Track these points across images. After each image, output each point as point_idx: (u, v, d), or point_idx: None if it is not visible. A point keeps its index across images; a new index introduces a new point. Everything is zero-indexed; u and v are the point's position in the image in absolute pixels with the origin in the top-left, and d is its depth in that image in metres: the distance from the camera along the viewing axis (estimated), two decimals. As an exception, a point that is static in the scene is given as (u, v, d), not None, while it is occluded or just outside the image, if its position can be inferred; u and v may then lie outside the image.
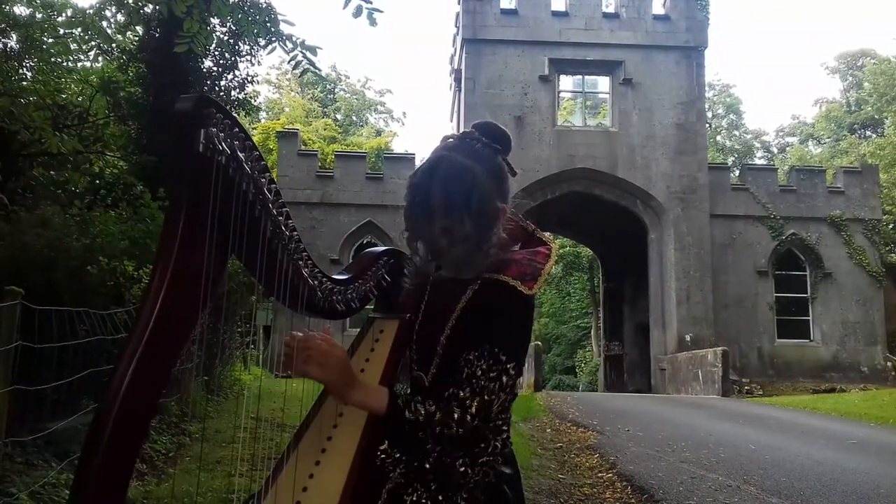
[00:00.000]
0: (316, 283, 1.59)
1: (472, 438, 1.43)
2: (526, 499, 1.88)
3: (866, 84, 40.61)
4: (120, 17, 11.31)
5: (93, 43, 11.11)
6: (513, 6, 21.70)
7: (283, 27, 5.56)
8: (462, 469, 1.44)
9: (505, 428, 1.51)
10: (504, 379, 1.46)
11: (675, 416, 11.51)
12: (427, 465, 1.44)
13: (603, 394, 22.63)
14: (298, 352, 1.43)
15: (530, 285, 1.50)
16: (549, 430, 9.72)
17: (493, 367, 1.45)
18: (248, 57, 13.42)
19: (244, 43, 12.81)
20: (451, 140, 1.59)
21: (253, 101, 15.35)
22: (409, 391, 1.66)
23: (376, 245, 2.45)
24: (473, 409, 1.43)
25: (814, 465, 6.98)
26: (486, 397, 1.44)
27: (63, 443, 4.92)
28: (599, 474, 6.73)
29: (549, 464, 7.28)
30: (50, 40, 10.39)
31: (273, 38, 5.64)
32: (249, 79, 13.82)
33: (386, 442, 1.50)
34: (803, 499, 5.58)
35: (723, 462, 7.13)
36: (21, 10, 10.48)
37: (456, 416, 1.42)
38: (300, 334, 1.47)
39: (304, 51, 5.39)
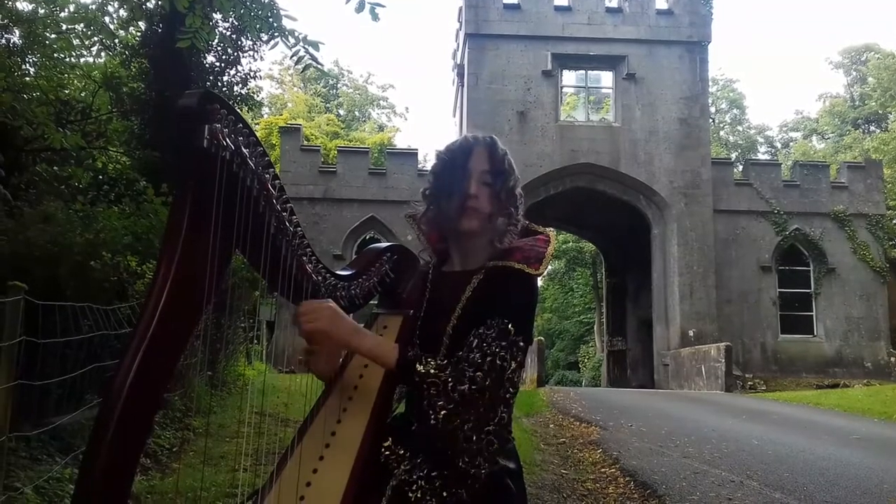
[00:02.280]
0: (319, 278, 1.59)
1: (481, 400, 1.43)
2: (528, 493, 1.88)
3: (870, 79, 40.44)
4: (122, 13, 11.30)
5: (95, 38, 11.08)
6: (515, 1, 21.65)
7: (286, 22, 5.56)
8: (468, 433, 1.43)
9: (512, 401, 1.51)
10: (514, 350, 1.47)
11: (678, 411, 11.51)
12: (433, 422, 1.43)
13: (606, 389, 22.64)
14: (296, 322, 1.46)
15: (536, 266, 1.53)
16: (552, 426, 9.73)
17: (503, 336, 1.46)
18: (251, 52, 13.42)
19: (246, 38, 12.79)
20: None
21: (255, 96, 15.34)
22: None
23: (379, 240, 2.46)
24: (486, 367, 1.43)
25: (817, 460, 6.97)
26: (497, 362, 1.44)
27: (67, 437, 4.94)
28: (602, 469, 6.74)
29: (552, 459, 7.28)
30: (53, 36, 10.38)
31: (275, 34, 5.62)
32: (252, 74, 13.82)
33: (390, 438, 1.51)
34: (806, 494, 5.58)
35: (726, 457, 7.12)
36: (24, 6, 10.50)
37: (468, 374, 1.43)
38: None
39: (306, 46, 5.38)
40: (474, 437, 1.44)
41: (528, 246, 1.58)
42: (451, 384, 1.42)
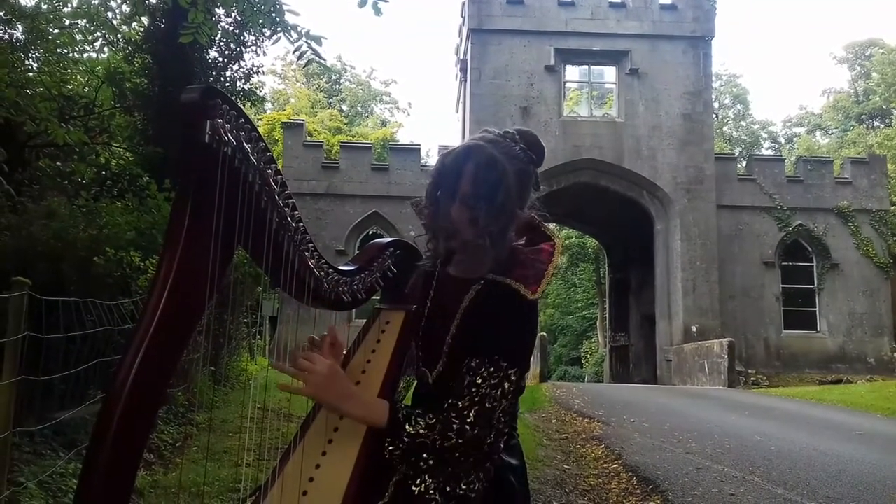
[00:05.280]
0: (322, 273, 1.59)
1: (473, 446, 1.43)
2: (531, 489, 1.88)
3: (874, 74, 40.33)
4: (125, 9, 11.29)
5: (98, 34, 11.11)
6: (518, -4, 21.61)
7: (288, 17, 5.54)
8: (464, 470, 1.46)
9: (506, 430, 1.51)
10: (506, 385, 1.46)
11: (680, 407, 11.51)
12: (426, 475, 1.46)
13: (608, 385, 22.64)
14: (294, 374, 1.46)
15: (533, 289, 1.49)
16: (554, 421, 9.73)
17: (494, 375, 1.45)
18: (254, 48, 13.40)
19: (249, 33, 12.77)
20: (489, 134, 1.58)
21: (258, 91, 15.31)
22: (415, 384, 1.66)
23: (382, 236, 2.45)
24: (472, 419, 1.43)
25: (819, 456, 6.97)
26: (486, 405, 1.44)
27: (71, 433, 4.95)
28: (605, 465, 6.74)
29: (555, 454, 7.29)
30: (56, 31, 10.38)
31: (278, 29, 5.61)
32: (255, 69, 13.80)
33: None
34: (809, 489, 5.58)
35: (728, 453, 7.13)
36: (27, 1, 10.49)
37: (455, 426, 1.42)
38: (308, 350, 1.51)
39: (308, 41, 5.38)
40: (472, 472, 1.46)
41: (529, 260, 1.53)
42: (438, 442, 1.42)
